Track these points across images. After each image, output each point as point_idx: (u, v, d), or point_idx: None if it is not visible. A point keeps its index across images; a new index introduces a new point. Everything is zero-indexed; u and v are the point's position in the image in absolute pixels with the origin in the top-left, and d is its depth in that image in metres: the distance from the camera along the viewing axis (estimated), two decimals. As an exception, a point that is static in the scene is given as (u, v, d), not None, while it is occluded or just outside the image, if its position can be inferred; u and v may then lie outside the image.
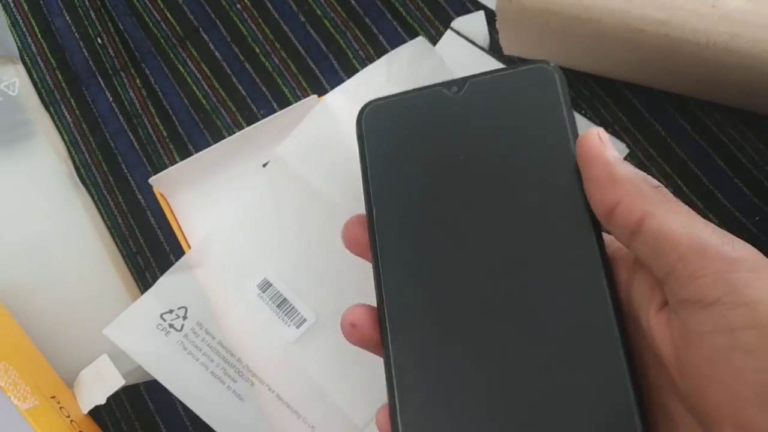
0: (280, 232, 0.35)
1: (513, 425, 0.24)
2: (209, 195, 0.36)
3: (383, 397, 0.26)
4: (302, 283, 0.35)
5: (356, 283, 0.34)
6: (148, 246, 0.40)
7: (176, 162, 0.41)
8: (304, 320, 0.35)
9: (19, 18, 0.42)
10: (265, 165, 0.36)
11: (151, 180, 0.34)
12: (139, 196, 0.40)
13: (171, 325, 0.34)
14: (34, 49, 0.42)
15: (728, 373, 0.21)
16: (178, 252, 0.40)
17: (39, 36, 0.42)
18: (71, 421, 0.34)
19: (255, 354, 0.34)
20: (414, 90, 0.29)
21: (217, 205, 0.36)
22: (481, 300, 0.25)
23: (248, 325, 0.35)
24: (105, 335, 0.34)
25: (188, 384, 0.34)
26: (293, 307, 0.35)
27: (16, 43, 0.41)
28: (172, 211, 0.36)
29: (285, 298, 0.35)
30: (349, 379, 0.34)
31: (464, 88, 0.29)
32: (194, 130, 0.41)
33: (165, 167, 0.41)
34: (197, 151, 0.41)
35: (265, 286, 0.35)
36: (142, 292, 0.39)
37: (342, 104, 0.36)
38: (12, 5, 0.42)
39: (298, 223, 0.35)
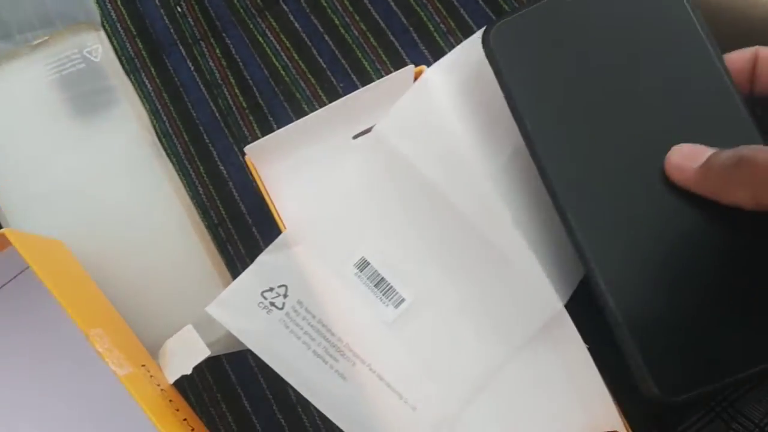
0: (378, 211, 0.34)
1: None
2: (299, 167, 0.35)
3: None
4: (400, 263, 0.34)
5: (454, 263, 0.33)
6: (229, 218, 0.39)
7: (256, 133, 0.40)
8: (402, 300, 0.34)
9: (98, -16, 0.41)
10: (355, 137, 0.35)
11: (247, 148, 0.34)
12: (221, 167, 0.40)
13: (272, 303, 0.34)
14: (114, 16, 0.41)
15: None
16: (261, 225, 0.39)
17: (119, 3, 0.41)
18: (161, 389, 0.33)
19: (354, 333, 0.34)
20: (534, 3, 0.32)
21: (307, 177, 0.35)
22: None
23: (346, 303, 0.34)
24: (206, 311, 0.33)
25: (292, 362, 0.33)
26: (391, 287, 0.34)
27: (98, 9, 0.41)
28: (262, 182, 0.35)
29: (383, 278, 0.34)
30: (447, 361, 0.33)
31: None
32: (274, 102, 0.40)
33: (245, 138, 0.40)
34: (277, 122, 0.40)
35: (363, 264, 0.34)
36: (226, 264, 0.39)
37: (442, 81, 0.35)
38: (91, -28, 0.41)
39: (397, 203, 0.34)
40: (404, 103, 0.35)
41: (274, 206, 0.35)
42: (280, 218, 0.35)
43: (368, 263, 0.34)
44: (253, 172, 0.35)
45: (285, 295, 0.34)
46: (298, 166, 0.35)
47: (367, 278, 0.34)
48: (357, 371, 0.33)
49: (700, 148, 0.29)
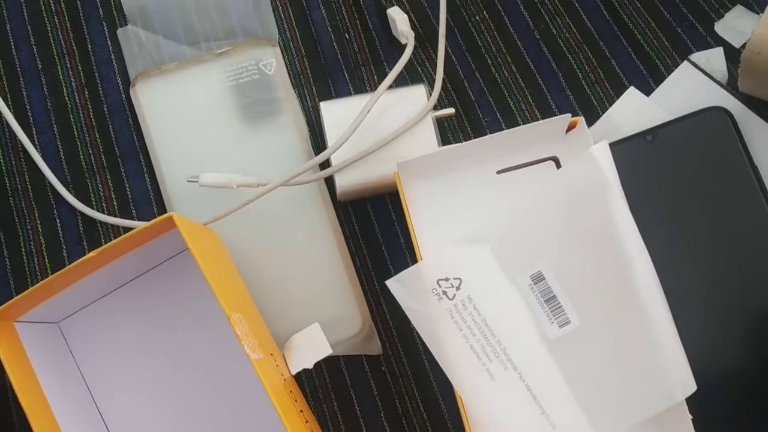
0: (564, 232, 0.35)
1: None
2: (442, 190, 0.37)
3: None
4: (573, 287, 0.35)
5: (625, 299, 0.34)
6: (361, 232, 0.41)
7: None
8: (568, 322, 0.34)
9: (278, 5, 0.45)
10: (499, 172, 0.36)
11: (399, 164, 0.35)
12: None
13: (444, 292, 0.35)
14: (288, 35, 0.44)
15: None
16: (390, 246, 0.41)
17: (294, 24, 0.44)
18: (284, 379, 0.35)
19: (514, 340, 0.34)
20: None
21: (448, 201, 0.36)
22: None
23: (513, 310, 0.35)
24: (387, 285, 0.35)
25: (448, 350, 0.34)
26: (560, 306, 0.34)
27: (278, 28, 0.44)
28: (404, 195, 0.36)
29: (554, 296, 0.35)
30: (602, 392, 0.34)
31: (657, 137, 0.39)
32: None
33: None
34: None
35: (538, 278, 0.35)
36: (357, 273, 0.40)
37: None
38: (275, -6, 0.45)
39: (584, 230, 0.35)
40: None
41: (411, 221, 0.36)
42: (414, 235, 0.36)
43: (544, 278, 0.35)
44: (398, 186, 0.36)
45: (458, 288, 0.35)
46: (441, 189, 0.36)
47: (540, 292, 0.35)
48: (507, 376, 0.34)
49: None
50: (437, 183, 0.36)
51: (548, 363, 0.34)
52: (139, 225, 0.40)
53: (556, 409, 0.33)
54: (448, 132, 0.42)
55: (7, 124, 0.43)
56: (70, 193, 0.42)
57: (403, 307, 0.35)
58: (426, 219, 0.36)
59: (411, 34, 0.41)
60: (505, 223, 0.35)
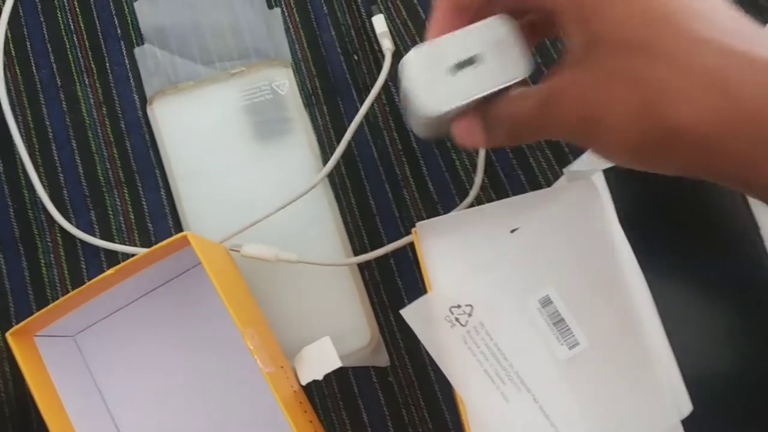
0: (568, 256, 0.35)
1: None
2: (457, 248, 0.36)
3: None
4: (582, 308, 0.35)
5: (625, 320, 0.34)
6: (371, 248, 0.41)
7: (407, 174, 0.42)
8: (577, 344, 0.34)
9: (290, 27, 0.44)
10: (512, 231, 0.36)
11: (418, 224, 0.35)
12: (371, 201, 0.42)
13: (457, 319, 0.35)
14: (299, 56, 0.44)
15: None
16: (400, 262, 0.41)
17: (306, 46, 0.44)
18: (294, 390, 0.35)
19: (526, 363, 0.35)
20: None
21: (464, 257, 0.36)
22: None
23: (524, 334, 0.35)
24: (402, 314, 0.35)
25: (462, 374, 0.35)
26: (569, 329, 0.35)
27: (290, 49, 0.44)
28: (420, 252, 0.36)
29: (563, 318, 0.35)
30: (609, 411, 0.34)
31: None
32: (427, 148, 0.42)
33: (397, 178, 0.42)
34: (427, 166, 0.42)
35: (546, 302, 0.35)
36: (366, 287, 0.40)
37: None
38: (287, 15, 0.45)
39: (585, 254, 0.35)
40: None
41: (427, 275, 0.36)
42: (428, 281, 0.36)
43: (551, 302, 0.35)
44: (416, 243, 0.36)
45: (470, 315, 0.35)
46: (457, 246, 0.36)
47: (548, 315, 0.35)
48: (521, 398, 0.34)
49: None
50: (454, 240, 0.36)
51: (560, 383, 0.34)
52: (135, 251, 0.41)
53: (569, 428, 0.33)
54: (452, 152, 0.42)
55: (26, 140, 0.43)
56: (88, 206, 0.42)
57: (417, 334, 0.35)
58: (443, 271, 0.36)
59: (389, 50, 0.42)
60: (512, 249, 0.35)
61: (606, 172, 0.36)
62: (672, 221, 0.37)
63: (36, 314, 0.33)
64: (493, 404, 0.34)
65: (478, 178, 0.41)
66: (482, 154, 0.42)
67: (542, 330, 0.35)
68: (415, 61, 0.30)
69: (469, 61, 0.29)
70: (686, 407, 0.32)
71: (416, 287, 0.41)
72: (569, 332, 0.34)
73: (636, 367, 0.33)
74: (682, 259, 0.36)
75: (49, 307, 0.33)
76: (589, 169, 0.37)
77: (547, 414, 0.34)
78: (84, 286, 0.33)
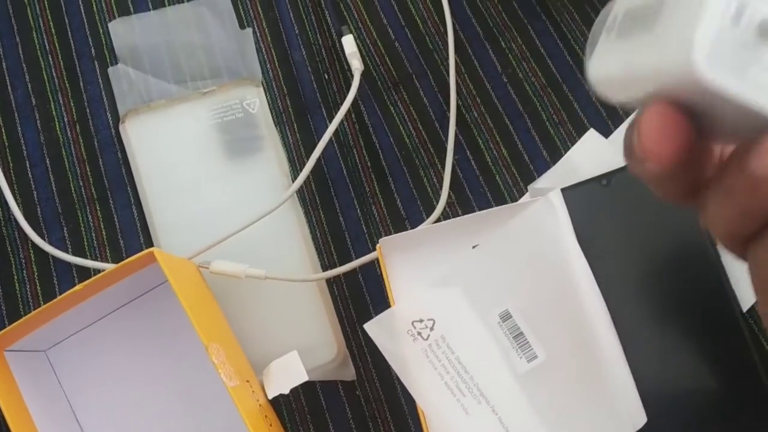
0: (526, 272, 0.36)
1: None
2: (420, 262, 0.37)
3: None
4: (540, 323, 0.35)
5: (582, 335, 0.35)
6: (340, 263, 0.41)
7: (375, 191, 0.42)
8: (536, 357, 0.35)
9: (262, 46, 0.45)
10: (474, 247, 0.37)
11: (381, 240, 0.36)
12: (340, 218, 0.42)
13: (419, 333, 0.36)
14: (270, 75, 0.45)
15: None
16: (369, 280, 0.42)
17: (277, 65, 0.45)
18: (260, 404, 0.36)
19: (486, 375, 0.35)
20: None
21: (427, 270, 0.37)
22: None
23: (485, 348, 0.36)
24: (365, 328, 0.36)
25: (423, 387, 0.35)
26: (528, 342, 0.35)
27: (261, 68, 0.45)
28: (385, 267, 0.37)
29: (522, 332, 0.35)
30: (567, 423, 0.34)
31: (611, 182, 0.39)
32: (395, 165, 0.43)
33: (365, 194, 0.42)
34: (395, 183, 0.43)
35: (506, 316, 0.36)
36: (334, 301, 0.41)
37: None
38: (259, 34, 0.45)
39: (543, 270, 0.36)
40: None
41: (390, 289, 0.37)
42: (392, 294, 0.36)
43: (511, 316, 0.36)
44: (380, 259, 0.37)
45: (431, 329, 0.36)
46: (420, 261, 0.37)
47: (508, 329, 0.36)
48: (481, 410, 0.35)
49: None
50: (418, 256, 0.37)
51: (518, 396, 0.35)
52: (108, 267, 0.41)
53: None
54: (420, 170, 0.43)
55: (1, 157, 0.43)
56: (61, 223, 0.42)
57: (380, 348, 0.35)
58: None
59: (357, 70, 0.43)
60: (473, 264, 0.36)
61: (564, 190, 0.37)
62: (629, 239, 0.38)
63: (5, 329, 0.34)
64: (454, 417, 0.35)
65: (444, 194, 0.42)
66: (448, 169, 0.43)
67: (502, 343, 0.35)
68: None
69: None
70: (641, 419, 0.33)
71: (384, 302, 0.41)
72: (528, 346, 0.35)
73: (592, 380, 0.34)
74: (638, 275, 0.37)
75: (18, 321, 0.34)
76: (553, 186, 0.37)
77: (506, 426, 0.34)
78: (53, 301, 0.34)
